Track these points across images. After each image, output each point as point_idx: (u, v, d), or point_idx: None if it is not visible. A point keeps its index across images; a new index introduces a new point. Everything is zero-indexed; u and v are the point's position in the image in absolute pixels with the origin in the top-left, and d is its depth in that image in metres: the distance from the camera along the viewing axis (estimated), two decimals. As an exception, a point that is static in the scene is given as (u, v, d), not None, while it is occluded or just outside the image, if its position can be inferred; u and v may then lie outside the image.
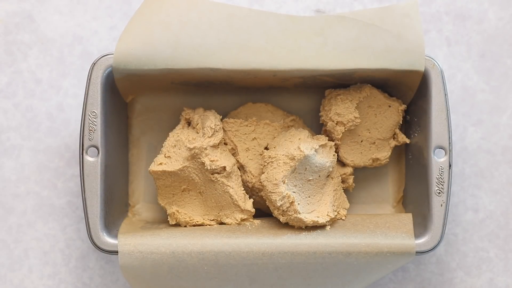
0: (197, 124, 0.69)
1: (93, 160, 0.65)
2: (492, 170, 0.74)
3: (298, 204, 0.66)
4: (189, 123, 0.70)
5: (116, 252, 0.65)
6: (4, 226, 0.74)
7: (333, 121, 0.69)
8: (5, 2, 0.74)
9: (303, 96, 0.73)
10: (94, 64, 0.65)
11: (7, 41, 0.74)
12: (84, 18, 0.74)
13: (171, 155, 0.68)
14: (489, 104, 0.74)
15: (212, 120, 0.68)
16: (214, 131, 0.67)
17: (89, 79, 0.65)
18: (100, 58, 0.65)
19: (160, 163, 0.68)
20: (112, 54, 0.65)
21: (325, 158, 0.67)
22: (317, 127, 0.73)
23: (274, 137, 0.70)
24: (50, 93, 0.74)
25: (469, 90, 0.75)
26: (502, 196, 0.74)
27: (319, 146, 0.67)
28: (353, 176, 0.72)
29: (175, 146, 0.68)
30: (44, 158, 0.74)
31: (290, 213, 0.66)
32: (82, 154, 0.65)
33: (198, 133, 0.68)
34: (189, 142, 0.67)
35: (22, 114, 0.74)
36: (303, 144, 0.66)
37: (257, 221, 0.68)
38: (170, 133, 0.69)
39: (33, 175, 0.74)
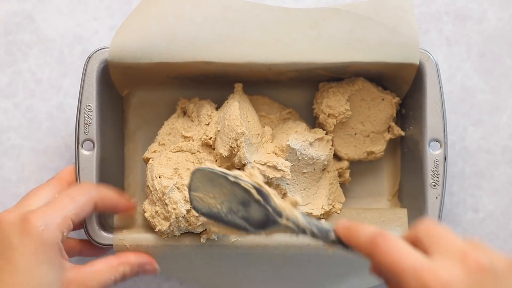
0: (192, 112, 0.69)
1: (89, 154, 0.65)
2: (492, 170, 0.74)
3: (292, 196, 0.66)
4: (184, 113, 0.71)
5: (111, 246, 0.65)
6: (4, 226, 0.74)
7: (324, 113, 0.69)
8: (5, 2, 0.74)
9: (299, 89, 0.73)
10: (89, 58, 0.65)
11: (7, 41, 0.74)
12: (84, 18, 0.74)
13: (166, 142, 0.68)
14: (489, 104, 0.74)
15: (208, 108, 0.68)
16: (211, 118, 0.67)
17: (85, 73, 0.65)
18: (96, 52, 0.66)
19: (154, 151, 0.68)
20: (108, 48, 0.65)
21: (320, 151, 0.67)
22: (313, 120, 0.73)
23: (271, 129, 0.70)
24: (50, 93, 0.74)
25: (469, 90, 0.74)
26: (502, 196, 0.74)
27: (315, 139, 0.67)
28: (349, 170, 0.71)
29: (169, 134, 0.69)
30: (44, 158, 0.74)
31: None
32: (78, 147, 0.65)
33: (193, 121, 0.68)
34: (185, 130, 0.68)
35: (22, 114, 0.74)
36: (293, 135, 0.66)
37: None
38: (165, 122, 0.70)
39: (33, 175, 0.74)
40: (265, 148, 0.66)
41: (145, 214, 0.65)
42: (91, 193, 0.61)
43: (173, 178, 0.64)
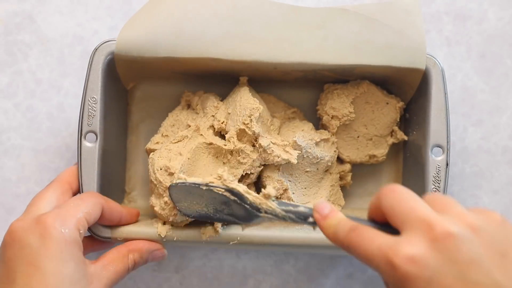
0: (197, 105, 0.69)
1: (91, 146, 0.65)
2: (492, 170, 0.74)
3: (293, 193, 0.66)
4: (188, 106, 0.70)
5: (109, 239, 0.65)
6: (4, 226, 0.73)
7: (328, 115, 0.70)
8: (5, 2, 0.74)
9: (304, 90, 0.73)
10: (96, 49, 0.65)
11: (8, 41, 0.74)
12: (84, 18, 0.74)
13: (169, 134, 0.68)
14: (489, 104, 0.74)
15: (213, 99, 0.68)
16: (217, 109, 0.67)
17: (90, 65, 0.65)
18: (102, 44, 0.65)
19: (157, 142, 0.68)
20: (115, 40, 0.65)
21: (325, 152, 0.68)
22: (316, 121, 0.73)
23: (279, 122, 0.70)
24: (50, 93, 0.74)
25: (469, 90, 0.74)
26: (502, 196, 0.74)
27: (321, 139, 0.67)
28: (351, 174, 0.72)
29: (173, 125, 0.69)
30: (45, 158, 0.74)
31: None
32: (81, 139, 0.65)
33: (198, 113, 0.68)
34: (190, 121, 0.68)
35: (22, 114, 0.74)
36: (300, 133, 0.66)
37: None
38: (169, 114, 0.70)
39: (33, 175, 0.74)
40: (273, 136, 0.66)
41: (155, 208, 0.64)
42: (97, 196, 0.62)
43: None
